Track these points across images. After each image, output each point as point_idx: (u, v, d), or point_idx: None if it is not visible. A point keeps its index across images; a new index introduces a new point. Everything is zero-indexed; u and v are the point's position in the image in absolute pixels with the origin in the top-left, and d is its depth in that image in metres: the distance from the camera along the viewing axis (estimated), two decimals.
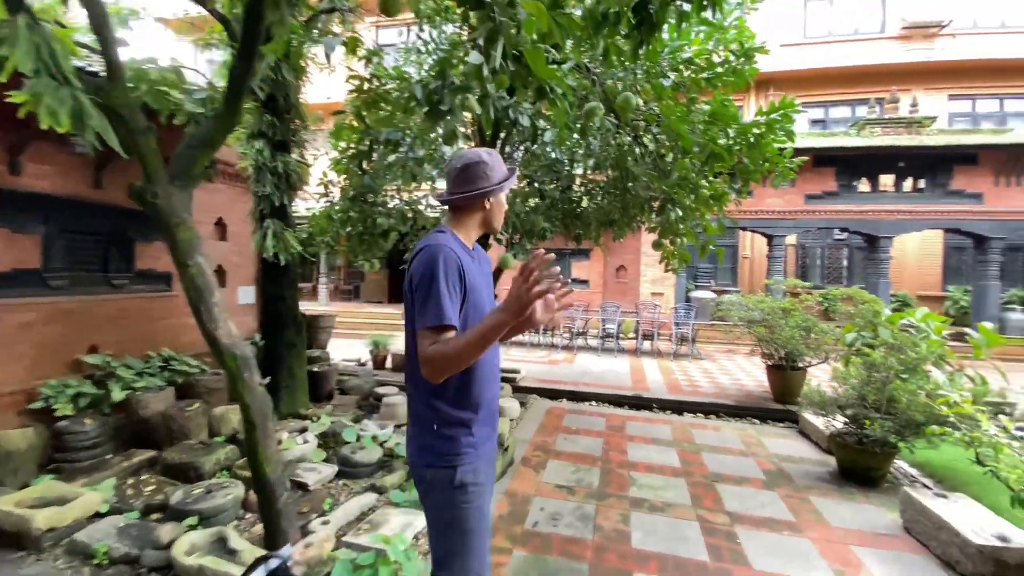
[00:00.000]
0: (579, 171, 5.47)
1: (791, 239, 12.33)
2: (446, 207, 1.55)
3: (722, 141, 3.65)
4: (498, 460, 3.44)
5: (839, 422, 4.04)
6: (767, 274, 10.91)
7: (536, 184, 5.26)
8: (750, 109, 13.39)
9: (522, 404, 5.70)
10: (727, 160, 3.63)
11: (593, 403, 6.26)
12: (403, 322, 1.47)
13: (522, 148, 5.18)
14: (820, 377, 7.50)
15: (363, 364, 7.29)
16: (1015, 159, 9.47)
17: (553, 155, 5.07)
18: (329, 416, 4.44)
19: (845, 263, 13.23)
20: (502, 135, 4.36)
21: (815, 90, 13.11)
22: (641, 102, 3.50)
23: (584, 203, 5.43)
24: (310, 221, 4.76)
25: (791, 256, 12.90)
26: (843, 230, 10.76)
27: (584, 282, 12.47)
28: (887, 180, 10.49)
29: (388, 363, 7.22)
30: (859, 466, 3.84)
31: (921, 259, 12.34)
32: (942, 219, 9.95)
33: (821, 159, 10.31)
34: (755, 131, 3.71)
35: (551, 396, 6.42)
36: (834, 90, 13.04)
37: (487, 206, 1.48)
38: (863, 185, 10.50)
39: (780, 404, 5.88)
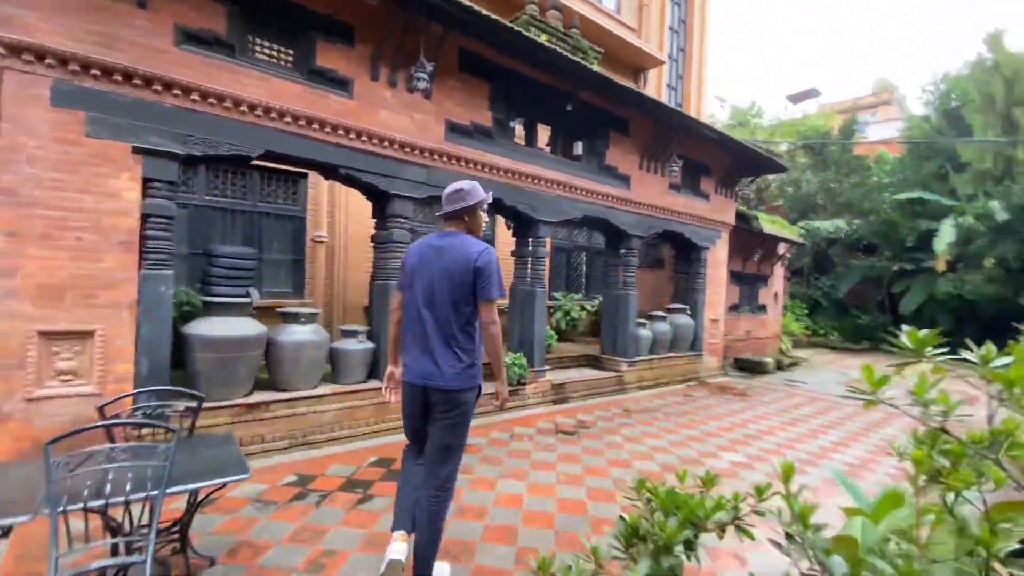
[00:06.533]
0: None
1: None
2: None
3: None
4: None
5: None
6: (374, 276, 5.17)
7: None
8: None
9: None
10: None
11: None
12: None
13: None
14: None
15: None
16: (660, 135, 7.45)
17: None
18: None
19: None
20: None
21: None
22: None
23: None
24: None
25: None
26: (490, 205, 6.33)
27: None
28: (542, 136, 6.78)
29: None
30: None
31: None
32: (596, 204, 6.99)
33: (472, 59, 5.40)
34: None
35: None
36: None
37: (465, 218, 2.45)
38: (519, 134, 6.37)
39: None
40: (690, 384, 8.57)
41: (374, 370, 4.95)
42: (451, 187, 2.45)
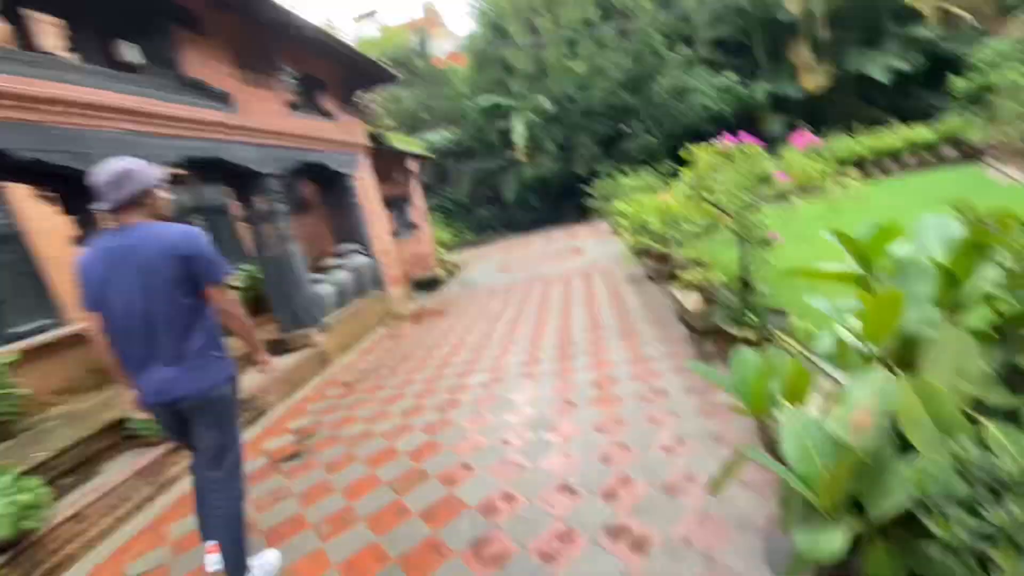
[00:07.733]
0: None
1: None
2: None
3: None
4: None
5: None
6: None
7: None
8: None
9: None
10: None
11: None
12: None
13: None
14: None
15: None
16: (256, 37, 5.58)
17: None
18: None
19: None
20: None
21: None
22: None
23: None
24: None
25: None
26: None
27: None
28: (49, 37, 3.91)
29: None
30: None
31: None
32: (201, 138, 4.81)
33: None
34: None
35: None
36: None
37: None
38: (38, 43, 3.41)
39: None
40: (389, 324, 7.95)
41: None
42: (106, 170, 1.89)
